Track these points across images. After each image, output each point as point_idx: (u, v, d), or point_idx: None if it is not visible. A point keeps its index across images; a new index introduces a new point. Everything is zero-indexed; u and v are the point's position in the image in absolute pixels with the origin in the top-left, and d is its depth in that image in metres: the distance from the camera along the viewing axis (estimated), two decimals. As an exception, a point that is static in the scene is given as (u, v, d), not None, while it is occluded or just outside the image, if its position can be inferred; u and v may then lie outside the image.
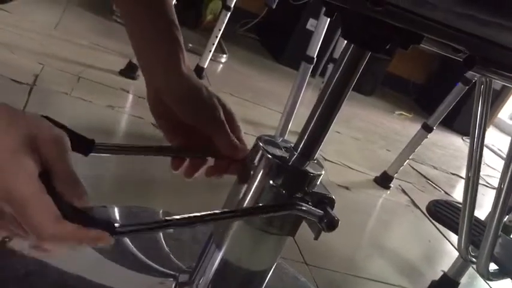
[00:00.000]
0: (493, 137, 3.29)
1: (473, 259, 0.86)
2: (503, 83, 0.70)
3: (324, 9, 0.64)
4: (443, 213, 1.11)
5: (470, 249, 0.86)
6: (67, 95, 1.37)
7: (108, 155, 0.63)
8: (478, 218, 0.99)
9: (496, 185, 2.31)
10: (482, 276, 0.86)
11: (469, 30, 0.48)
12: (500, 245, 0.88)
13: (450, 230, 1.12)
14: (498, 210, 0.76)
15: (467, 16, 0.43)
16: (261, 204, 0.66)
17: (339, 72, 0.61)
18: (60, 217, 0.41)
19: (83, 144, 0.56)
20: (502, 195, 0.76)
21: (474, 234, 0.87)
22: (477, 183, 0.81)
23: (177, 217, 0.56)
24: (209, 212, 0.60)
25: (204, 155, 0.68)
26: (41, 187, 0.40)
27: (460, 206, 0.86)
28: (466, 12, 0.42)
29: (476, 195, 0.82)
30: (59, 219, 0.40)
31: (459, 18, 0.44)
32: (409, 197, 1.76)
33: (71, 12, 2.11)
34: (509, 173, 0.75)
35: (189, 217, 0.57)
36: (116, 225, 0.48)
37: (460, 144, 2.96)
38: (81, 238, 0.42)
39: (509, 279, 0.89)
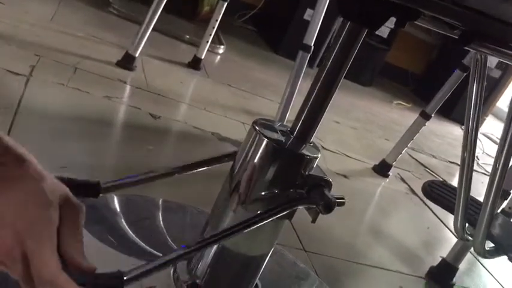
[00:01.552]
0: (491, 126, 3.28)
1: (470, 238, 0.86)
2: (499, 59, 0.70)
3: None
4: (438, 193, 1.12)
5: (466, 228, 0.86)
6: (64, 85, 1.37)
7: (118, 182, 0.66)
8: (474, 197, 0.99)
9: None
10: (479, 254, 0.86)
11: (464, 2, 0.47)
12: (498, 224, 0.89)
13: (446, 210, 1.12)
14: (493, 189, 0.77)
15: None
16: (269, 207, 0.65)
17: (335, 50, 0.61)
18: (61, 268, 0.43)
19: (91, 188, 0.61)
20: (497, 174, 0.76)
21: (470, 214, 0.87)
22: (473, 163, 0.82)
23: (185, 250, 0.58)
24: (220, 231, 0.62)
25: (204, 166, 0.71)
26: (54, 243, 0.43)
27: (455, 186, 0.86)
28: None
29: (472, 174, 0.82)
30: (60, 270, 0.43)
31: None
32: (408, 184, 1.76)
33: (67, 4, 2.10)
34: (504, 153, 0.76)
35: (200, 241, 0.59)
36: (125, 272, 0.50)
37: (458, 133, 2.95)
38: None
39: (505, 256, 0.89)
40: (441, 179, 1.97)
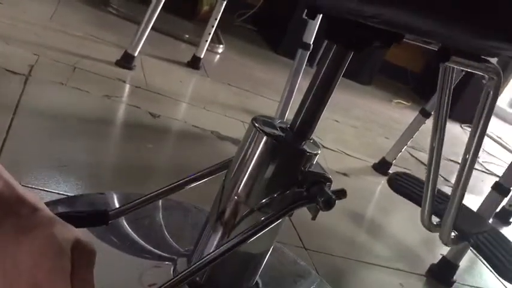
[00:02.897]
0: (491, 124, 3.28)
1: (436, 228, 0.88)
2: (474, 71, 0.73)
3: (306, 10, 0.64)
4: (403, 185, 1.13)
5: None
6: (63, 85, 1.37)
7: (124, 207, 0.69)
8: (439, 189, 1.02)
9: (494, 171, 2.31)
10: (445, 243, 0.88)
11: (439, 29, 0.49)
12: (460, 214, 0.91)
13: (411, 201, 1.14)
14: (462, 181, 0.79)
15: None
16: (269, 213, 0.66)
17: (323, 71, 0.63)
18: None
19: (101, 217, 0.65)
20: (467, 166, 0.78)
21: (434, 205, 0.89)
22: (440, 154, 0.84)
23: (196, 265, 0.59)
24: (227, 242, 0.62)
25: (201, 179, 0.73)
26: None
27: (421, 178, 0.89)
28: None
29: (439, 165, 0.85)
30: None
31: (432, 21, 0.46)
32: (408, 183, 1.76)
33: (66, 4, 2.10)
34: (473, 145, 0.78)
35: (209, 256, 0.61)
36: None
37: (457, 132, 2.95)
38: None
39: (466, 242, 0.92)
40: (442, 178, 1.97)
